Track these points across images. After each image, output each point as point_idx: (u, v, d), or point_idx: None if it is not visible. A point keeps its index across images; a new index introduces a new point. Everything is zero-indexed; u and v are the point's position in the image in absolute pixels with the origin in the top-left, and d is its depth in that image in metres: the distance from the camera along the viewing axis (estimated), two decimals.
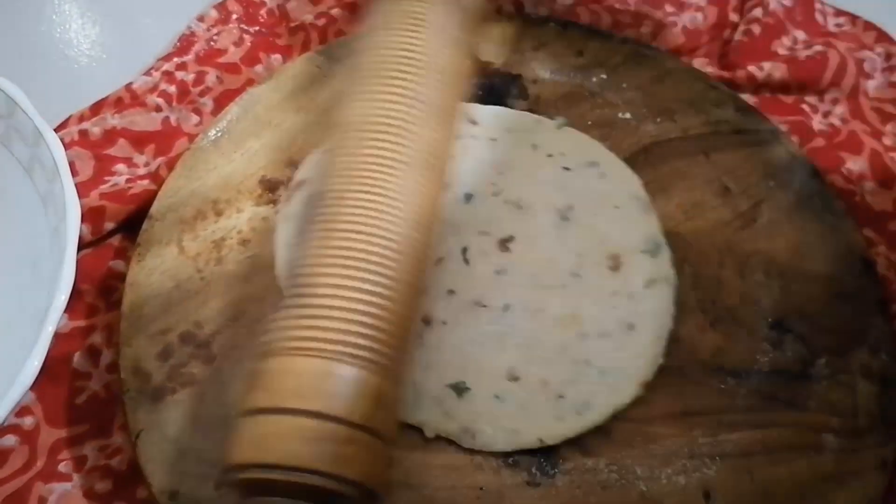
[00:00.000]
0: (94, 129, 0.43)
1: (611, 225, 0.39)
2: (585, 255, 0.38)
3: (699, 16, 0.50)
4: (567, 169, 0.41)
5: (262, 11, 0.49)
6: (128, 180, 0.42)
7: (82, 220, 0.36)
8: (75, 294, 0.35)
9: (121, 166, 0.43)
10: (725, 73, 0.47)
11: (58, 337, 0.33)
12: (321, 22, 0.49)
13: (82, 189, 0.40)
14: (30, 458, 0.35)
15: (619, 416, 0.34)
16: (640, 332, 0.36)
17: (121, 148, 0.43)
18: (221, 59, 0.46)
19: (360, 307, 0.28)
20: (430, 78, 0.33)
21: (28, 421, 0.36)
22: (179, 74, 0.46)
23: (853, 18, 0.50)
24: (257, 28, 0.49)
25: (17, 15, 0.50)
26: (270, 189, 0.41)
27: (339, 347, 0.28)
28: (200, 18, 0.49)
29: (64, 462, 0.35)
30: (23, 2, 0.51)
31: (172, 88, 0.45)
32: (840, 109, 0.46)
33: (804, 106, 0.46)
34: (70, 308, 0.37)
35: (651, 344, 0.36)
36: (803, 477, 0.33)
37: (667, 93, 0.45)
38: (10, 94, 0.38)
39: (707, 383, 0.35)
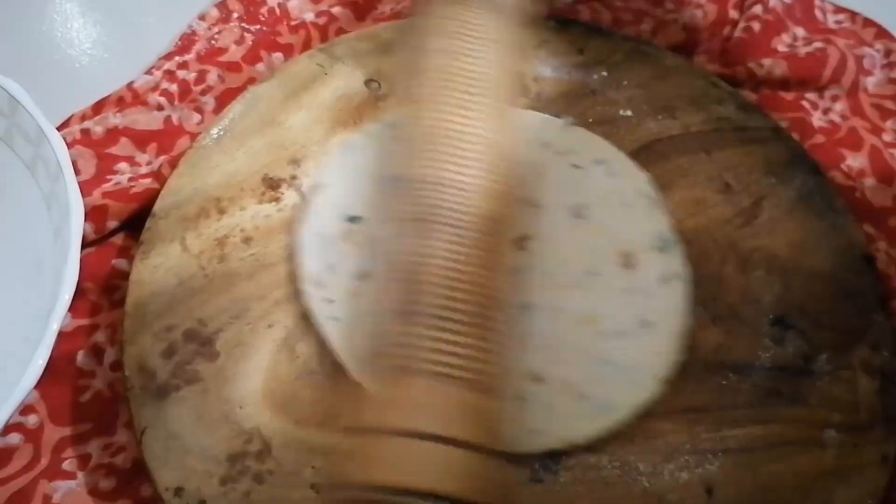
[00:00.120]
0: (97, 128, 0.43)
1: (622, 222, 0.39)
2: (599, 253, 0.38)
3: (699, 13, 0.50)
4: (577, 167, 0.41)
5: (263, 10, 0.49)
6: (130, 179, 0.42)
7: (85, 219, 0.36)
8: (79, 292, 0.35)
9: (123, 165, 0.43)
10: (726, 70, 0.47)
11: (61, 335, 0.33)
12: (322, 20, 0.49)
13: (85, 188, 0.40)
14: (34, 456, 0.35)
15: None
16: (657, 329, 0.36)
17: (123, 147, 0.43)
18: (223, 58, 0.46)
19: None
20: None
21: (32, 419, 0.36)
22: (181, 73, 0.46)
23: (852, 15, 0.50)
24: (258, 26, 0.49)
25: (19, 14, 0.50)
26: (273, 187, 0.41)
27: (473, 376, 0.28)
28: (201, 17, 0.49)
29: (68, 460, 0.35)
30: (24, 1, 0.51)
31: (174, 87, 0.45)
32: (840, 106, 0.46)
33: (804, 103, 0.46)
34: (73, 306, 0.37)
35: (668, 340, 0.36)
36: (805, 472, 0.33)
37: (668, 90, 0.45)
38: (12, 92, 0.38)
39: (709, 379, 0.35)
